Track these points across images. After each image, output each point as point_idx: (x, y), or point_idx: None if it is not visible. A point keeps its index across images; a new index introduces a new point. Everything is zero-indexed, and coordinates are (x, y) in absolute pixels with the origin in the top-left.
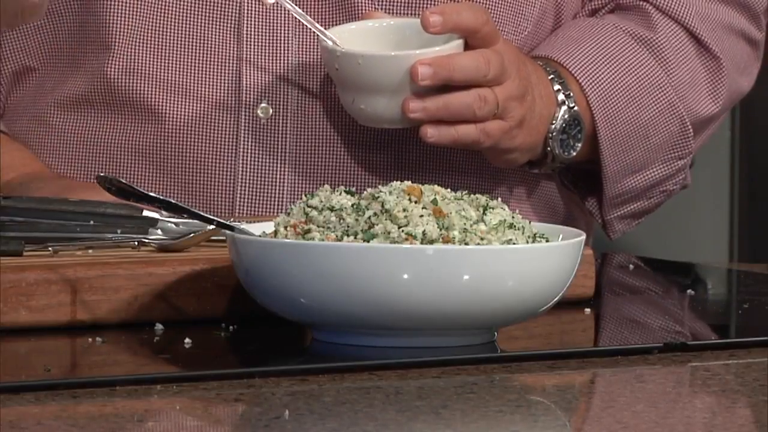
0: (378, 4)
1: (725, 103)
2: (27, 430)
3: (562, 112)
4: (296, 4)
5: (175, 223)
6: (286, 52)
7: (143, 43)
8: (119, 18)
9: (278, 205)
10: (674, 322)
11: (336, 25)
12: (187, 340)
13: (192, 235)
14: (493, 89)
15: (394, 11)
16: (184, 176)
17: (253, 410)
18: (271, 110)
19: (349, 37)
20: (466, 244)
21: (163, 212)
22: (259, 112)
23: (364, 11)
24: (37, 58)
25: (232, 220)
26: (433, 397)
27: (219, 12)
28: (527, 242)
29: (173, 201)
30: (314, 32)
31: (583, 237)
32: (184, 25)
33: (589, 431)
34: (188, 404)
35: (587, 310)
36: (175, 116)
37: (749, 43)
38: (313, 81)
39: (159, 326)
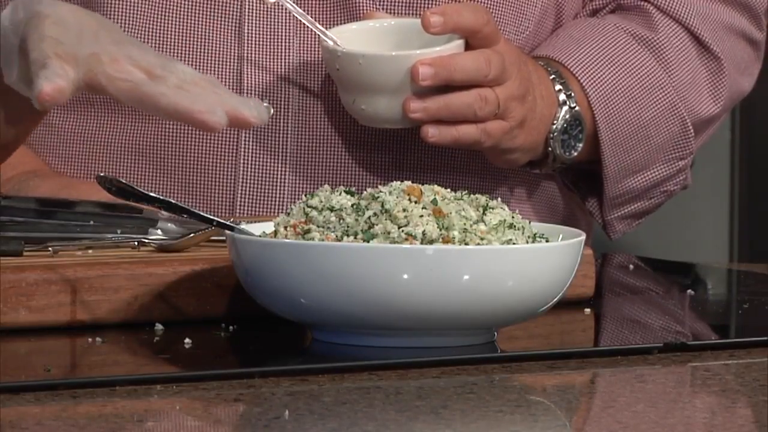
0: (379, 5)
1: (726, 104)
2: (27, 430)
3: (563, 112)
4: (297, 4)
5: (175, 223)
6: (287, 51)
7: (144, 42)
8: (121, 17)
9: (279, 205)
10: (674, 322)
11: (337, 25)
12: (187, 340)
13: (192, 235)
14: (494, 89)
15: (395, 11)
16: (184, 176)
17: (253, 410)
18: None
19: (350, 37)
20: (466, 244)
21: (163, 212)
22: None
23: (365, 11)
24: None
25: (232, 220)
26: (433, 397)
27: (220, 11)
28: (527, 242)
29: (173, 201)
30: (315, 32)
31: (583, 237)
32: (184, 25)
33: (589, 431)
34: (188, 404)
35: (587, 310)
36: None
37: (750, 44)
38: (314, 81)
39: (159, 326)
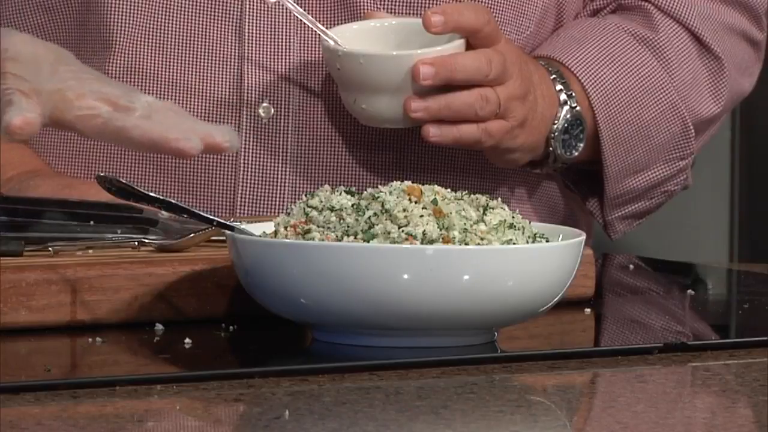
0: (379, 4)
1: (727, 104)
2: (27, 430)
3: (564, 112)
4: (298, 4)
5: (175, 223)
6: (287, 51)
7: (145, 41)
8: (121, 16)
9: (279, 205)
10: (674, 322)
11: (337, 24)
12: (187, 340)
13: (192, 235)
14: (495, 89)
15: (396, 11)
16: (184, 176)
17: (253, 410)
18: (272, 110)
19: (350, 37)
20: (466, 244)
21: (163, 212)
22: (260, 111)
23: (365, 11)
24: None
25: (232, 220)
26: (433, 397)
27: (221, 11)
28: (527, 242)
29: (173, 201)
30: (316, 32)
31: (584, 237)
32: (185, 24)
33: (589, 431)
34: (188, 404)
35: (587, 310)
36: None
37: (750, 44)
38: (314, 81)
39: (159, 326)
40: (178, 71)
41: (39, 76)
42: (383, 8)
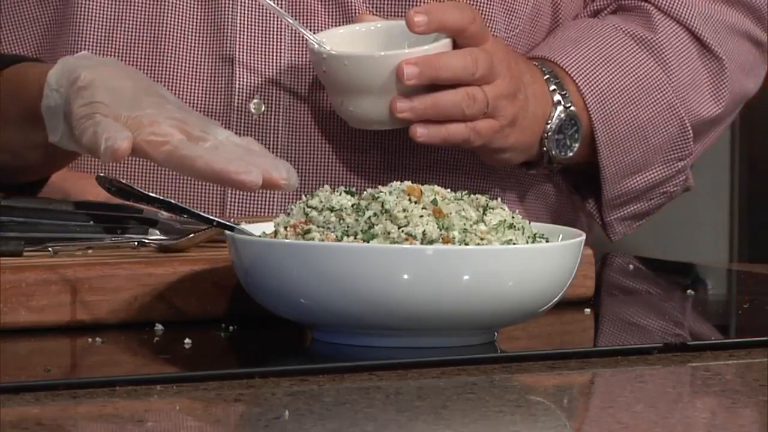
0: (370, 5)
1: (729, 105)
2: (27, 431)
3: (557, 112)
4: (294, 4)
5: (175, 223)
6: (277, 53)
7: (136, 40)
8: (115, 14)
9: (270, 203)
10: (674, 323)
11: (332, 25)
12: (187, 340)
13: (192, 235)
14: (483, 88)
15: (389, 11)
16: (177, 175)
17: (253, 410)
18: (263, 106)
19: (338, 42)
20: (466, 244)
21: (163, 212)
22: (251, 107)
23: (358, 12)
24: (33, 52)
25: (231, 220)
26: (433, 397)
27: (211, 12)
28: (527, 242)
29: (173, 201)
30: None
31: (583, 237)
32: (176, 25)
33: (588, 431)
34: (188, 404)
35: (587, 310)
36: None
37: (754, 45)
38: (303, 82)
39: (159, 326)
40: (170, 70)
41: (119, 103)
42: (375, 9)
